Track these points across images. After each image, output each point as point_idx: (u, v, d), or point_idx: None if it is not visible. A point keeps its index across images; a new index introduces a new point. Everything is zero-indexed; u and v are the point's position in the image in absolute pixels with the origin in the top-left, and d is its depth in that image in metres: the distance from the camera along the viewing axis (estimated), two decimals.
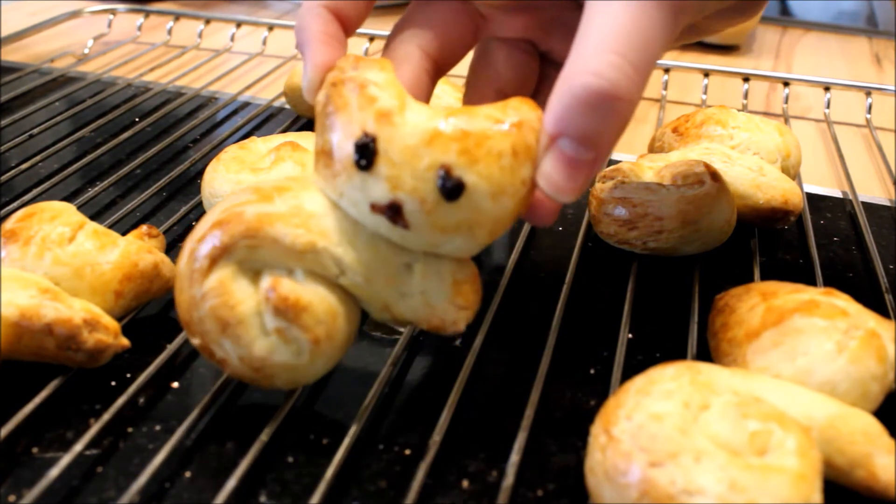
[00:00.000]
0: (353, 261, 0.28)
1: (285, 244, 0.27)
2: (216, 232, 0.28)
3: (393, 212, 0.26)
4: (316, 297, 0.28)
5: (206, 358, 0.29)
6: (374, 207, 0.27)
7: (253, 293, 0.28)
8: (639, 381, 0.27)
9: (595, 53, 0.25)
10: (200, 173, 0.47)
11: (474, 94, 0.33)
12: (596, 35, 0.25)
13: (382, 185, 0.26)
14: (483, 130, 0.26)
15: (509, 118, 0.26)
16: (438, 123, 0.26)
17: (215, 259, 0.28)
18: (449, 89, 0.50)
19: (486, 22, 0.32)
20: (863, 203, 0.48)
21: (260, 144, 0.45)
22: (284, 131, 0.55)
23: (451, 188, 0.26)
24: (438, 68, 0.32)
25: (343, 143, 0.27)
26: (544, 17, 0.32)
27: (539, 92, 0.34)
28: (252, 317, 0.28)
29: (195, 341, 0.29)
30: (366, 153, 0.26)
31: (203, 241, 0.28)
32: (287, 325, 0.27)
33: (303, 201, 0.28)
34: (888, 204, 0.49)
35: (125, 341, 0.32)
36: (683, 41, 0.34)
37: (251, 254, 0.28)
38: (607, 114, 0.25)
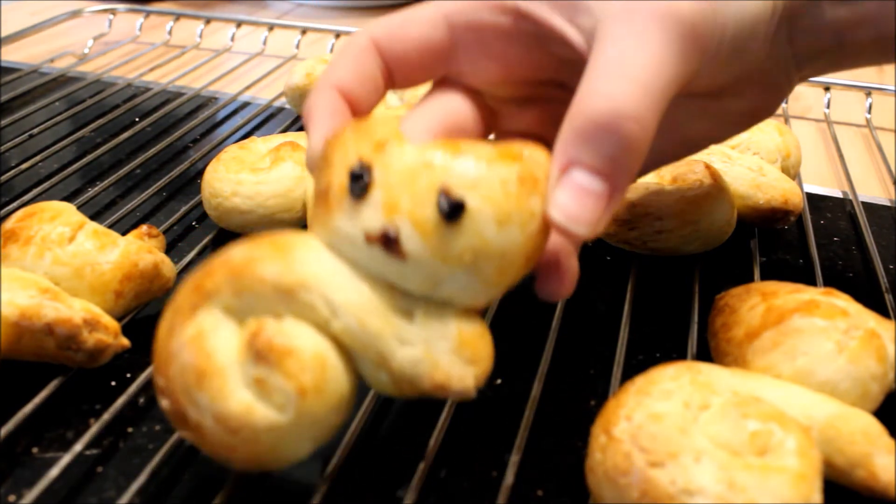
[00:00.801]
0: (346, 301, 0.25)
1: (271, 282, 0.25)
2: (202, 281, 0.26)
3: (388, 239, 0.24)
4: (303, 342, 0.25)
5: (177, 430, 0.26)
6: (369, 238, 0.24)
7: (235, 344, 0.25)
8: (639, 381, 0.27)
9: (605, 79, 0.24)
10: (200, 173, 0.47)
11: None
12: (605, 63, 0.25)
13: (377, 212, 0.24)
14: (488, 156, 0.25)
15: (515, 151, 0.25)
16: (439, 151, 0.25)
17: (196, 307, 0.26)
18: None
19: (496, 117, 0.32)
20: (863, 203, 0.48)
21: (260, 144, 0.45)
22: (284, 131, 0.55)
23: (452, 208, 0.24)
24: None
25: (338, 175, 0.25)
26: (554, 112, 0.32)
27: None
28: (232, 366, 0.25)
29: (164, 403, 0.26)
30: (360, 180, 0.25)
31: (186, 291, 0.26)
32: (269, 372, 0.24)
33: (295, 244, 0.26)
34: (888, 204, 0.49)
35: (125, 341, 0.32)
36: (714, 137, 0.35)
37: (236, 299, 0.25)
38: (619, 138, 0.24)
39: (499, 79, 0.31)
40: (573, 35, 0.28)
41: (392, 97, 0.51)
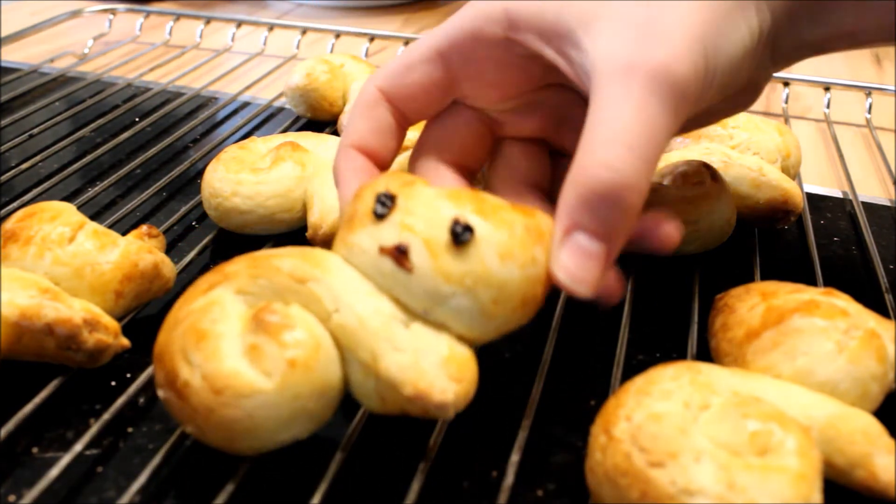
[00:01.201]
0: (350, 300, 0.27)
1: (287, 272, 0.27)
2: (223, 266, 0.29)
3: (399, 252, 0.27)
4: (303, 324, 0.27)
5: (164, 394, 0.27)
6: (382, 250, 0.27)
7: (240, 319, 0.27)
8: (639, 381, 0.27)
9: (603, 147, 0.26)
10: (200, 173, 0.47)
11: (495, 190, 0.34)
12: (602, 129, 0.26)
13: (394, 230, 0.27)
14: (500, 204, 0.28)
15: (528, 209, 0.28)
16: (460, 194, 0.28)
17: (213, 285, 0.28)
18: None
19: (500, 125, 0.34)
20: (863, 203, 0.48)
21: (260, 144, 0.45)
22: (284, 131, 0.55)
23: (461, 231, 0.26)
24: (468, 173, 0.34)
25: (365, 202, 0.28)
26: (554, 116, 0.33)
27: (555, 182, 0.35)
28: (232, 335, 0.27)
29: (160, 374, 0.27)
30: (384, 202, 0.27)
31: (207, 274, 0.29)
32: (265, 341, 0.26)
33: (315, 251, 0.28)
34: (888, 204, 0.49)
35: (125, 341, 0.32)
36: (689, 129, 0.36)
37: (251, 283, 0.27)
38: (618, 205, 0.26)
39: (498, 98, 0.32)
40: (564, 67, 0.29)
41: None
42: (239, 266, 0.28)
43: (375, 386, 0.27)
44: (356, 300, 0.27)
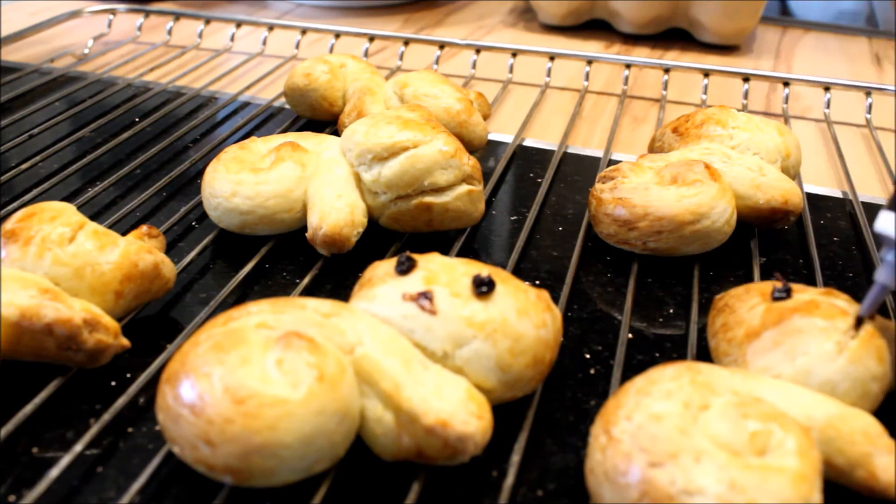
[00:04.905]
0: (374, 335, 0.28)
1: (311, 307, 0.29)
2: (244, 304, 0.29)
3: (424, 297, 0.28)
4: (329, 348, 0.27)
5: (170, 413, 0.26)
6: (405, 296, 0.29)
7: (263, 346, 0.27)
8: (639, 382, 0.27)
9: None
10: (200, 173, 0.47)
11: None
12: None
13: (418, 281, 0.29)
14: (511, 276, 0.30)
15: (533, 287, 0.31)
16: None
17: (235, 318, 0.28)
18: (449, 89, 0.50)
19: None
20: (863, 203, 0.48)
21: (260, 144, 0.45)
22: (284, 131, 0.55)
23: (483, 282, 0.28)
24: None
25: (383, 266, 0.31)
26: None
27: None
28: (257, 346, 0.27)
29: (168, 395, 0.26)
30: (405, 262, 0.30)
31: (227, 311, 0.29)
32: (293, 355, 0.26)
33: (337, 301, 0.29)
34: None
35: (125, 341, 0.32)
36: None
37: (274, 319, 0.28)
38: None
39: None
40: None
41: (392, 98, 0.51)
42: (261, 305, 0.29)
43: (395, 419, 0.27)
44: (378, 336, 0.28)
